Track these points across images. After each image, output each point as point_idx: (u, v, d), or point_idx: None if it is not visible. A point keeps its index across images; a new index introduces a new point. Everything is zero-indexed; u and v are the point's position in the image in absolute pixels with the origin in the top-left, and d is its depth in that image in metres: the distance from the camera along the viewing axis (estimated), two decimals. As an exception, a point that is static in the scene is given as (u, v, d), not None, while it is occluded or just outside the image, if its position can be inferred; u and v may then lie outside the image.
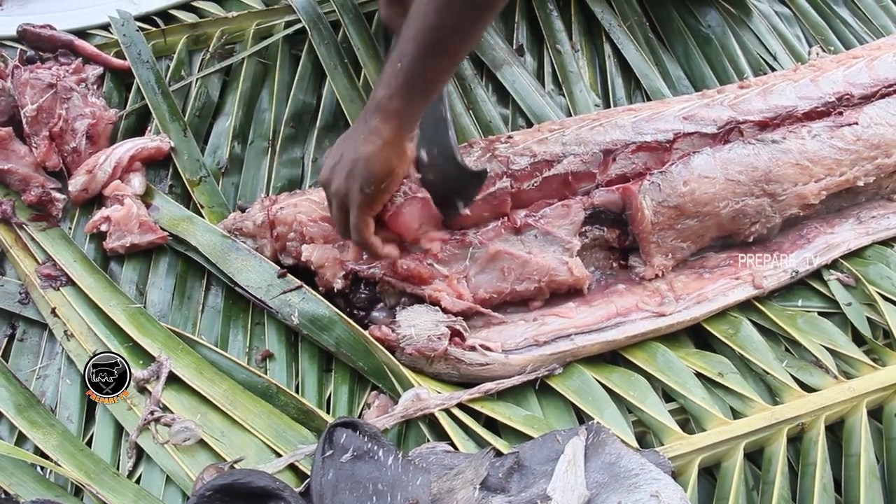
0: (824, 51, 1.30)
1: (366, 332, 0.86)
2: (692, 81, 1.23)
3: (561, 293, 0.92)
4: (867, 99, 1.05)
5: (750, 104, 1.02)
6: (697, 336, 0.93)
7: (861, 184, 1.01)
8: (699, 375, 0.87)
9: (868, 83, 1.06)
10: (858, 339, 0.92)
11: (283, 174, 1.06)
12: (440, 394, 0.82)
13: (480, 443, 0.79)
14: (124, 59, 1.11)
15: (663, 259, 0.94)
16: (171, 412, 0.80)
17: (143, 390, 0.82)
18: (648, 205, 0.92)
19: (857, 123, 1.01)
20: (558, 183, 0.93)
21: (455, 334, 0.85)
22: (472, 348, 0.84)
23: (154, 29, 1.17)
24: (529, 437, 0.78)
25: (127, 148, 1.01)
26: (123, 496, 0.75)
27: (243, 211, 0.98)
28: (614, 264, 0.97)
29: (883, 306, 0.93)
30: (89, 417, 0.84)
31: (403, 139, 0.80)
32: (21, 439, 0.81)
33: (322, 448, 0.72)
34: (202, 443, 0.79)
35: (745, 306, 0.94)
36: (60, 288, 0.91)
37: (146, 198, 1.00)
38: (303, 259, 0.90)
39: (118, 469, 0.78)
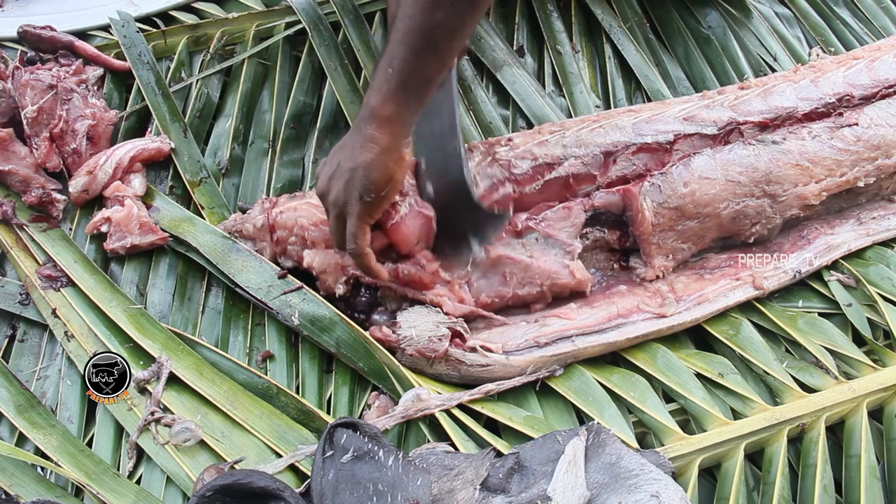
0: (824, 52, 1.31)
1: (366, 333, 0.86)
2: (692, 82, 1.23)
3: (563, 297, 0.92)
4: (867, 100, 1.05)
5: (750, 105, 1.02)
6: (698, 337, 0.93)
7: (861, 185, 1.01)
8: (699, 376, 0.87)
9: (868, 84, 1.06)
10: (859, 339, 0.92)
11: (284, 175, 1.06)
12: (441, 394, 0.82)
13: (481, 443, 0.79)
14: (125, 60, 1.11)
15: (664, 260, 0.94)
16: (172, 413, 0.80)
17: (143, 391, 0.82)
18: (649, 206, 0.92)
19: (857, 124, 1.01)
20: (559, 185, 0.94)
21: (456, 335, 0.85)
22: (473, 349, 0.84)
23: (154, 30, 1.17)
24: (530, 438, 0.78)
25: (127, 149, 1.01)
26: (124, 497, 0.75)
27: (244, 212, 0.98)
28: (615, 265, 0.97)
29: (883, 307, 0.93)
30: (90, 418, 0.84)
31: (400, 145, 0.80)
32: (21, 440, 0.81)
33: (322, 448, 0.72)
34: (202, 443, 0.79)
35: (746, 307, 0.94)
36: (61, 289, 0.91)
37: (147, 199, 1.00)
38: (304, 264, 0.90)
39: (118, 470, 0.78)
